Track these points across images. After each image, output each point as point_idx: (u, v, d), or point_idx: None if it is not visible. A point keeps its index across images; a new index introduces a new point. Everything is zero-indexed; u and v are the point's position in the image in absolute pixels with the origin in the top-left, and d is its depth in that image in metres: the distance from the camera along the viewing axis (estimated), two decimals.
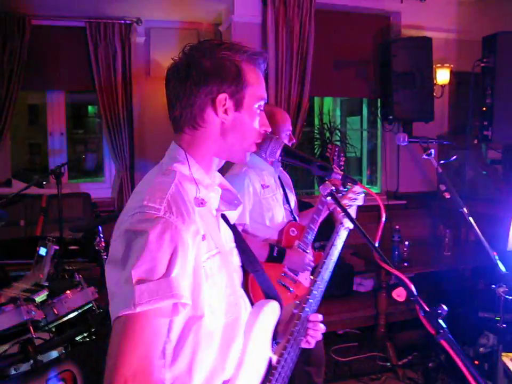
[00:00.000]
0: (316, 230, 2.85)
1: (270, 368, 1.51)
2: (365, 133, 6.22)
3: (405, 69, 5.01)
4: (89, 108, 8.57)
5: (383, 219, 1.50)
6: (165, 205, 1.25)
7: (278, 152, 1.47)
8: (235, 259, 1.54)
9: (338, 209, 1.63)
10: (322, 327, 1.65)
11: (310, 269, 2.85)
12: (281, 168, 3.06)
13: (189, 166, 1.39)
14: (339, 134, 5.73)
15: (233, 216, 1.58)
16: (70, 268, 3.93)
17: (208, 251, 1.34)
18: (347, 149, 5.81)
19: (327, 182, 1.44)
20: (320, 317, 1.66)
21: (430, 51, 5.12)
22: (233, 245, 1.57)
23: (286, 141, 2.84)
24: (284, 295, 2.71)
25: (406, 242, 4.22)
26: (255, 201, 2.80)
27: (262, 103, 1.44)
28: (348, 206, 2.21)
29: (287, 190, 3.04)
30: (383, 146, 5.75)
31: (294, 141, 2.96)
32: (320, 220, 2.87)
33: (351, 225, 2.02)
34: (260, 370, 1.49)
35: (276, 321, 1.57)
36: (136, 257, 1.18)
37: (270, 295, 1.60)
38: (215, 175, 1.53)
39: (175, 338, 1.30)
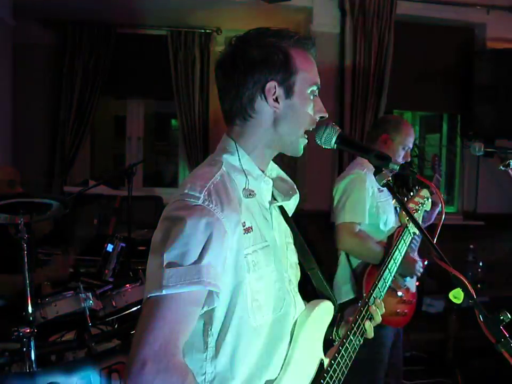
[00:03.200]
0: (421, 237, 2.83)
1: (321, 371, 1.42)
2: (444, 151, 5.99)
3: (488, 83, 4.78)
4: (173, 121, 8.77)
5: (443, 215, 1.41)
6: (205, 193, 1.24)
7: (334, 139, 1.41)
8: (290, 254, 1.48)
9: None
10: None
11: (419, 275, 2.80)
12: None
13: (239, 156, 1.37)
14: (417, 149, 5.54)
15: (290, 207, 1.54)
16: (138, 267, 4.00)
17: (254, 243, 1.31)
18: (425, 166, 5.63)
19: (383, 171, 1.38)
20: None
21: None
22: (290, 240, 1.52)
23: (401, 155, 2.89)
24: (392, 299, 2.73)
25: (481, 263, 4.00)
26: (372, 203, 2.81)
27: (315, 88, 1.40)
28: (414, 210, 2.12)
29: None
30: (462, 164, 5.52)
31: (409, 158, 2.97)
32: (424, 226, 2.89)
33: (416, 231, 1.95)
34: (309, 373, 1.41)
35: (328, 321, 1.51)
36: (170, 242, 1.17)
37: (324, 295, 1.53)
38: (271, 167, 1.50)
39: (217, 331, 1.27)
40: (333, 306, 1.51)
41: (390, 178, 1.37)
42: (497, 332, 1.23)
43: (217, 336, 1.27)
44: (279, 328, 1.35)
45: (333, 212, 2.96)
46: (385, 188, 2.82)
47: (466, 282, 1.26)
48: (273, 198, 1.46)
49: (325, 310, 1.49)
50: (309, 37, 1.41)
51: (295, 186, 1.52)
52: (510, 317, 1.24)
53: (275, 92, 1.35)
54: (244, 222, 1.29)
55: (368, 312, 1.58)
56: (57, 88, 5.06)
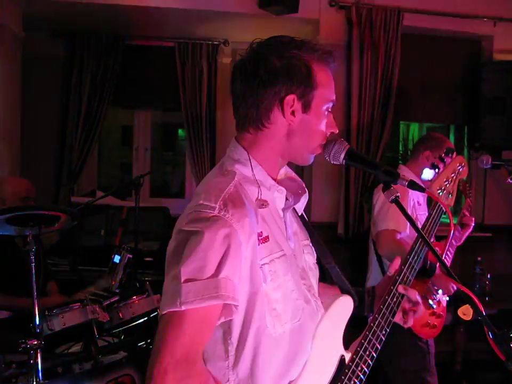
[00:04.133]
0: (452, 256, 2.97)
1: (342, 366, 1.41)
2: None
3: (495, 94, 4.77)
4: (180, 131, 8.82)
5: (451, 231, 1.41)
6: (220, 203, 1.23)
7: (342, 155, 1.42)
8: (308, 257, 1.49)
9: None
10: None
11: (452, 291, 2.82)
12: None
13: (252, 167, 1.36)
14: None
15: (299, 206, 1.53)
16: (145, 278, 3.99)
17: (271, 253, 1.31)
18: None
19: (392, 188, 1.38)
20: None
21: None
22: (306, 242, 1.52)
23: None
24: (425, 309, 2.79)
25: (488, 275, 3.98)
26: (412, 215, 2.87)
27: (331, 105, 1.40)
28: (450, 178, 2.06)
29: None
30: (469, 176, 5.49)
31: None
32: (456, 245, 3.03)
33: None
34: (329, 370, 1.40)
35: (348, 316, 1.49)
36: (187, 255, 1.18)
37: (343, 289, 1.54)
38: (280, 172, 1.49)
39: (236, 340, 1.27)
40: (352, 300, 1.50)
41: (399, 194, 1.37)
42: (507, 349, 1.23)
43: (236, 345, 1.27)
44: (299, 337, 1.34)
45: (373, 220, 3.04)
46: (423, 202, 2.97)
47: (475, 299, 1.26)
48: (285, 198, 1.46)
49: (343, 305, 1.48)
50: (330, 53, 1.40)
51: (304, 185, 1.52)
52: None
53: (293, 105, 1.35)
54: (261, 232, 1.29)
55: (395, 300, 1.53)
56: (65, 98, 5.08)
